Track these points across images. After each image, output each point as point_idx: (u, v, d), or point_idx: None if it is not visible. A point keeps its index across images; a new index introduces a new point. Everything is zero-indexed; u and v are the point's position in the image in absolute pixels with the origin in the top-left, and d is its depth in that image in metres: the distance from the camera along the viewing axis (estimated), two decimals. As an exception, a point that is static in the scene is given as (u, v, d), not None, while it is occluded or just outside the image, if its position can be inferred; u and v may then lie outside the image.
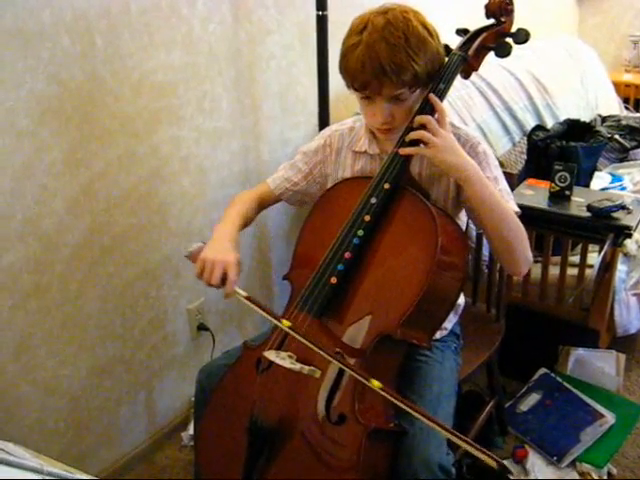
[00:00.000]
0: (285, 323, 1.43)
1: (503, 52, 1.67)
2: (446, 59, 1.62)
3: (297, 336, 1.42)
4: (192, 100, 2.17)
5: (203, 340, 2.48)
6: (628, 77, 4.82)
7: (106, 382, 2.18)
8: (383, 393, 1.33)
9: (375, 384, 1.34)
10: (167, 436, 2.45)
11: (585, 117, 3.73)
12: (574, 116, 3.41)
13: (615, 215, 2.29)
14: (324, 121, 2.39)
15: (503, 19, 1.68)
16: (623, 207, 2.30)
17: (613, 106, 4.23)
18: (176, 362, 2.42)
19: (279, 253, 2.71)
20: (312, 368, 1.43)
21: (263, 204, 1.86)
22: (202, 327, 2.45)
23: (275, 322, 1.46)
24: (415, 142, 1.54)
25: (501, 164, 1.83)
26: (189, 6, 2.08)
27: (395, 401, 1.33)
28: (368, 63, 1.48)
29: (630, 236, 2.27)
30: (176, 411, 2.49)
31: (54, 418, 2.04)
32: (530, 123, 3.29)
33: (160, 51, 2.03)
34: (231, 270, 1.53)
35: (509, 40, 1.68)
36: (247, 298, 1.50)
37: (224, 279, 1.53)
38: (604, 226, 2.28)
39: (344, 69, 1.56)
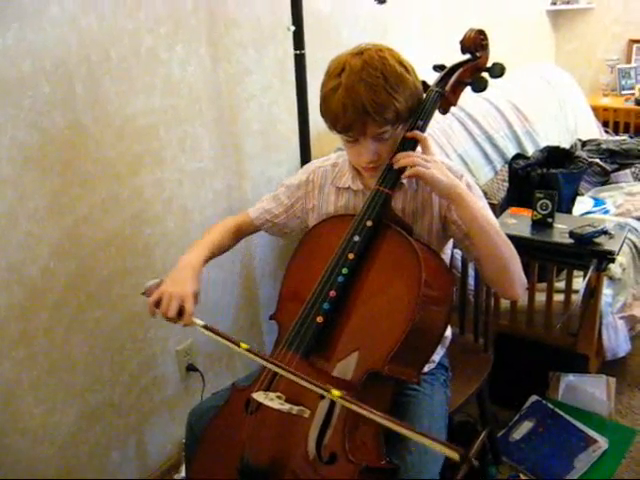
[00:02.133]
0: (243, 346, 1.44)
1: (479, 87, 1.70)
2: (424, 95, 1.64)
3: (261, 361, 1.44)
4: (173, 142, 2.19)
5: (193, 381, 2.47)
6: (606, 101, 4.90)
7: (95, 427, 2.15)
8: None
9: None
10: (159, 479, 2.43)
11: (565, 142, 3.78)
12: (554, 142, 3.45)
13: (597, 240, 2.30)
14: (306, 157, 2.40)
15: (479, 54, 1.71)
16: (605, 232, 2.32)
17: (593, 130, 4.29)
18: (166, 404, 2.40)
19: (266, 290, 2.70)
20: (301, 408, 1.42)
21: (241, 232, 1.88)
22: (191, 368, 2.43)
23: (233, 347, 1.45)
24: (403, 170, 1.55)
25: (484, 193, 1.85)
26: (168, 50, 2.10)
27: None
28: (350, 105, 1.49)
29: (613, 261, 2.29)
30: (167, 454, 2.46)
31: (43, 466, 2.02)
32: (511, 151, 3.32)
33: (140, 95, 2.04)
34: (187, 302, 1.56)
35: (485, 75, 1.70)
36: (205, 327, 1.52)
37: (181, 312, 1.55)
38: (587, 252, 2.29)
39: (325, 112, 1.57)
